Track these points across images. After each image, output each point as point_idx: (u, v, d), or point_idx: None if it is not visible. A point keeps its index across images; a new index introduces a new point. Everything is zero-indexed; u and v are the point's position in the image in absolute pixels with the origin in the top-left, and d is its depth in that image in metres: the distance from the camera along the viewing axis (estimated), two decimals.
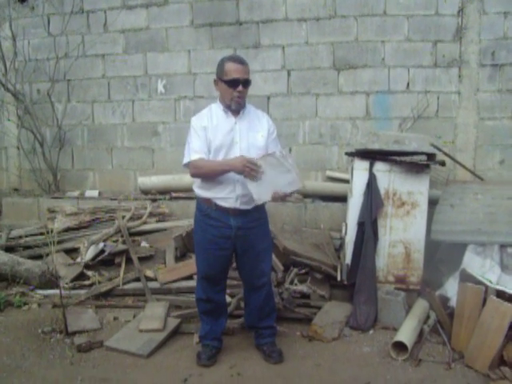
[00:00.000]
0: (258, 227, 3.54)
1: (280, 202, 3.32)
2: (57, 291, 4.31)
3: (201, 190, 3.46)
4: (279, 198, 3.29)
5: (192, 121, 3.44)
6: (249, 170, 3.17)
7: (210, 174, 3.36)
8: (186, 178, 6.10)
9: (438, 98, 5.89)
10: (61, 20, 6.65)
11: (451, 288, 4.06)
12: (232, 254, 3.61)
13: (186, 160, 3.40)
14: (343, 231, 4.75)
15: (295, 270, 4.68)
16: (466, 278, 3.78)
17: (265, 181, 3.23)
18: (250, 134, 3.41)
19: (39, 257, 5.11)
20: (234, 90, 3.30)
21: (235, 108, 3.38)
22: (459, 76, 5.83)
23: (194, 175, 3.42)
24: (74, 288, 4.71)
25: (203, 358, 3.59)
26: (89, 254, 4.96)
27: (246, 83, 3.34)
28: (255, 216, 3.49)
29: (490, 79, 5.77)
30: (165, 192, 6.25)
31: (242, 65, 3.35)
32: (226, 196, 3.39)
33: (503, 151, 5.82)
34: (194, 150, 3.34)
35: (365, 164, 4.38)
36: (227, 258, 3.59)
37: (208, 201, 3.44)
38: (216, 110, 3.44)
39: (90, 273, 4.88)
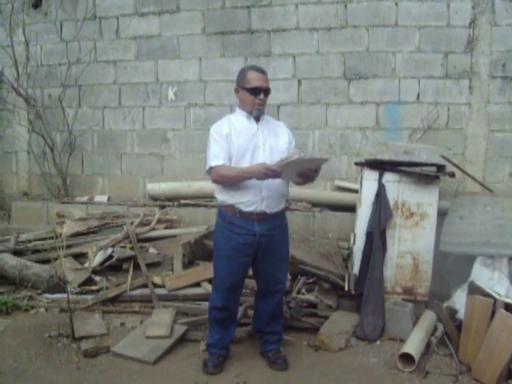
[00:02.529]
0: (280, 235, 3.56)
1: (309, 182, 3.50)
2: (64, 296, 4.30)
3: (223, 197, 3.45)
4: (307, 176, 3.36)
5: (211, 129, 3.47)
6: (269, 174, 3.19)
7: (232, 180, 3.36)
8: (194, 185, 6.14)
9: (449, 110, 5.88)
10: (73, 26, 6.71)
11: (459, 300, 4.03)
12: (251, 261, 3.60)
13: (207, 166, 3.42)
14: (351, 241, 4.74)
15: (303, 280, 4.68)
16: (475, 290, 3.76)
17: (288, 170, 3.24)
18: (271, 139, 3.48)
19: (47, 261, 5.12)
20: (256, 98, 3.39)
21: (256, 115, 3.46)
22: (470, 87, 5.82)
23: (216, 181, 3.43)
24: (81, 293, 4.71)
25: (209, 366, 3.57)
26: (97, 259, 4.98)
27: (267, 91, 3.45)
28: (278, 223, 3.52)
29: (500, 91, 5.76)
30: (173, 199, 6.26)
31: (263, 74, 3.45)
32: (251, 199, 3.38)
33: None
34: (215, 156, 3.36)
35: (374, 174, 4.38)
36: (248, 265, 3.60)
37: (231, 207, 3.42)
38: (237, 117, 3.51)
39: (97, 278, 4.88)
